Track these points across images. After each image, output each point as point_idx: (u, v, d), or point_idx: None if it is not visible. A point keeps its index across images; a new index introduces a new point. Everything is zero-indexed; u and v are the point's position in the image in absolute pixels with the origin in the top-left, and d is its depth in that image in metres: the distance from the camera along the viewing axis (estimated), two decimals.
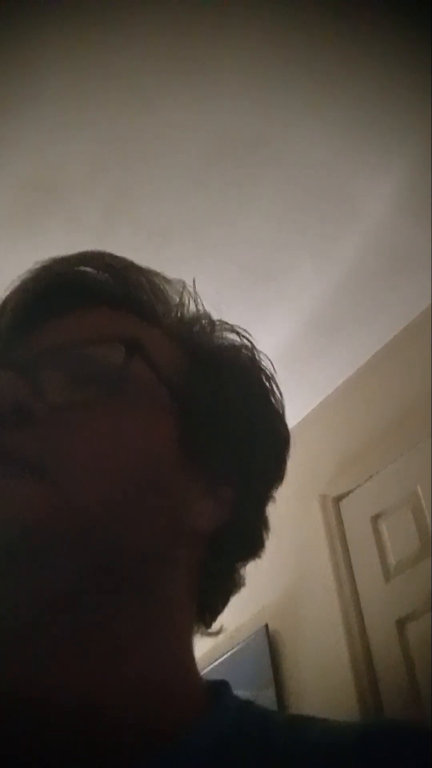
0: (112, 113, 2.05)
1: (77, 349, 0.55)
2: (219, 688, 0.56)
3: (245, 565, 0.63)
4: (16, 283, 0.61)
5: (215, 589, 0.61)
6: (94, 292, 0.60)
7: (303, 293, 2.64)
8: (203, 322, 0.63)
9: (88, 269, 0.61)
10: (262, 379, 0.62)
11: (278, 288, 2.57)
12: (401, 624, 2.52)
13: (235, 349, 0.63)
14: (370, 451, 2.79)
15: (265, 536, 0.62)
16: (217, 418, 0.58)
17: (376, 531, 2.72)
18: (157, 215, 2.29)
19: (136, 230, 2.25)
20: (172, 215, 2.30)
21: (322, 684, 2.70)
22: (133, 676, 0.50)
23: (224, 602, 0.62)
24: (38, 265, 0.61)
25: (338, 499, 2.91)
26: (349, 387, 3.02)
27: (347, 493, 2.89)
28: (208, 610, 0.61)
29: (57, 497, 0.49)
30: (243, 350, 0.63)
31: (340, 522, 2.88)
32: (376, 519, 2.74)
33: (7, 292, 0.61)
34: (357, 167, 2.24)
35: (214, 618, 0.62)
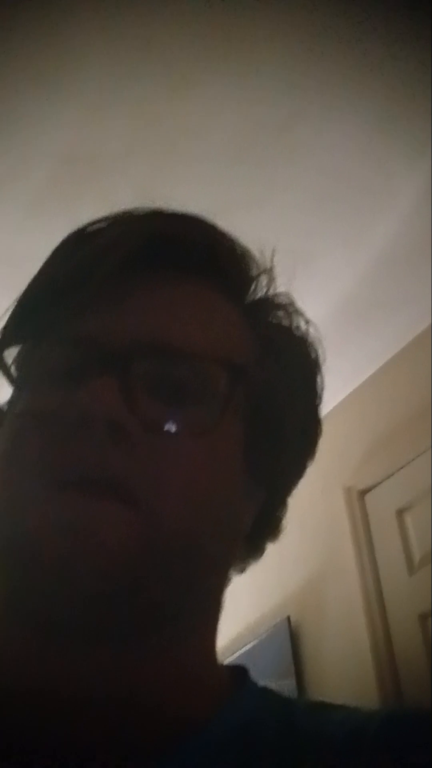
0: (149, 92, 2.05)
1: (179, 359, 0.50)
2: (239, 673, 0.56)
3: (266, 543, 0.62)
4: (110, 225, 0.53)
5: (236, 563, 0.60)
6: (193, 262, 0.54)
7: (333, 280, 2.62)
8: (280, 304, 0.60)
9: (190, 233, 0.55)
10: (317, 375, 0.60)
11: (308, 275, 2.56)
12: (424, 618, 2.52)
13: (303, 341, 0.59)
14: (397, 444, 2.78)
15: (284, 518, 0.62)
16: (279, 421, 0.56)
17: (401, 524, 2.71)
18: (189, 196, 2.28)
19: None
20: (204, 196, 2.28)
21: (343, 677, 2.70)
22: (174, 669, 0.50)
23: (242, 571, 0.61)
24: (139, 213, 0.55)
25: (363, 492, 2.91)
26: (374, 381, 3.01)
27: (373, 486, 2.88)
28: None
29: (145, 525, 0.46)
30: (310, 343, 0.60)
31: (365, 515, 2.88)
32: (401, 513, 2.73)
33: (99, 230, 0.53)
34: (390, 154, 2.22)
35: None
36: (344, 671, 2.71)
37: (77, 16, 1.86)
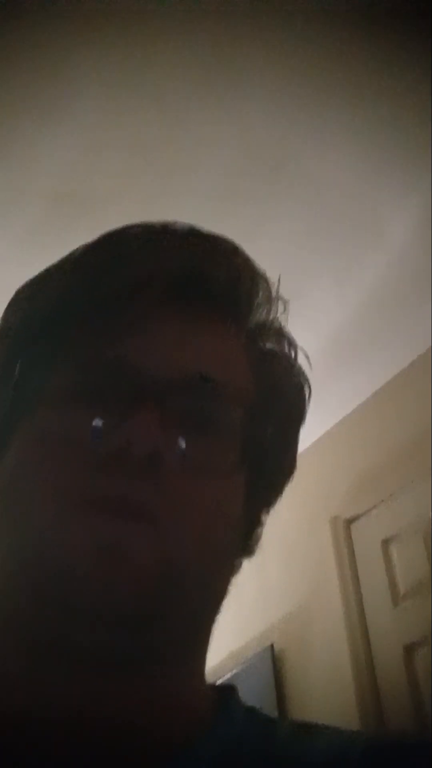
0: (141, 127, 2.07)
1: (209, 396, 0.52)
2: (226, 693, 0.56)
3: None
4: (145, 251, 0.56)
5: None
6: (215, 296, 0.56)
7: (322, 315, 2.64)
8: (274, 330, 0.61)
9: (217, 270, 0.56)
10: (305, 401, 0.60)
11: (297, 309, 2.57)
12: (408, 649, 2.51)
13: (298, 374, 0.61)
14: (384, 475, 2.79)
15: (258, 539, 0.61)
16: (265, 449, 0.56)
17: (386, 555, 2.72)
18: None
19: None
20: None
21: (326, 706, 2.68)
22: (166, 695, 0.50)
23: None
24: (174, 237, 0.57)
25: (349, 522, 2.91)
26: (364, 410, 3.02)
27: (358, 516, 2.88)
28: None
29: (166, 551, 0.47)
30: (302, 377, 0.61)
31: (350, 544, 2.88)
32: (386, 543, 2.73)
33: (132, 254, 0.56)
34: (382, 191, 2.25)
35: None
36: (327, 701, 2.70)
37: (72, 52, 1.88)
